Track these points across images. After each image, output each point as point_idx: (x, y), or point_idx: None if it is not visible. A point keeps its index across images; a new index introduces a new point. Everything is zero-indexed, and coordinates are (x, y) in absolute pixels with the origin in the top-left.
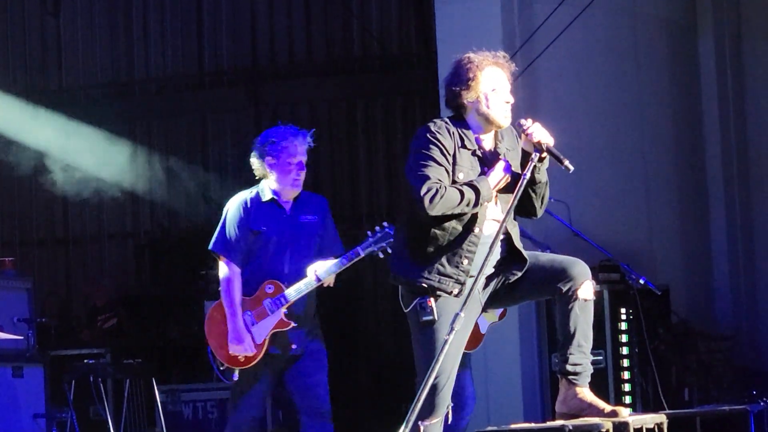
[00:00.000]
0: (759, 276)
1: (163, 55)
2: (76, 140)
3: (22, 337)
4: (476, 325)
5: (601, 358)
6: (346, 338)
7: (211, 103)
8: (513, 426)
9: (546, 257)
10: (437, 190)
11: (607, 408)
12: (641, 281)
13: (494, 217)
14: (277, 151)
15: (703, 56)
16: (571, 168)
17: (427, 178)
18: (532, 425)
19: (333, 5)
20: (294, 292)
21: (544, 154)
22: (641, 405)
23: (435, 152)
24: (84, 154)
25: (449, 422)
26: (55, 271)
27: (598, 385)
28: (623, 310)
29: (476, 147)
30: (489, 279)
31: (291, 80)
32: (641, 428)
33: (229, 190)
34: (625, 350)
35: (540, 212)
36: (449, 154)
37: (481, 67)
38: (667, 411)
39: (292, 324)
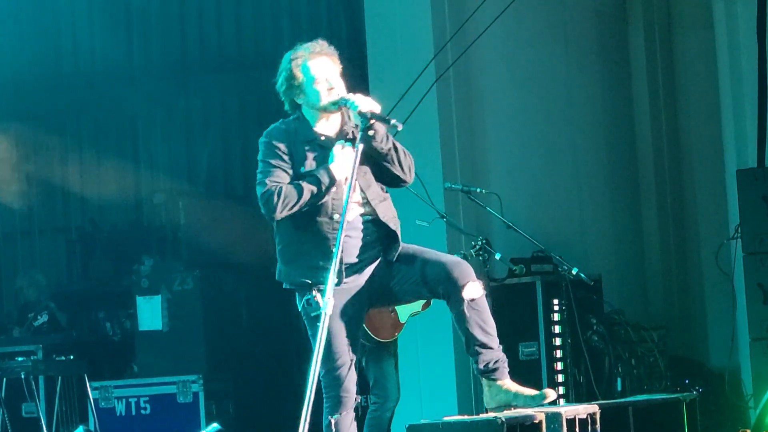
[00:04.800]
0: (690, 265)
1: (92, 48)
2: (5, 135)
3: None
4: (395, 312)
5: (534, 349)
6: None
7: (141, 96)
8: (446, 419)
9: (432, 255)
10: (273, 192)
11: (534, 392)
12: (573, 271)
13: (357, 200)
14: None
15: (633, 46)
16: (400, 126)
17: (264, 184)
18: (465, 418)
19: None
20: None
21: (373, 121)
22: (574, 395)
23: (269, 156)
24: (12, 149)
25: (372, 415)
26: None
27: (531, 375)
28: (556, 301)
29: (315, 137)
30: (369, 263)
31: (221, 74)
32: (574, 418)
33: (159, 183)
34: (558, 341)
35: (408, 177)
36: (285, 153)
37: (298, 63)
38: (600, 401)
39: None
